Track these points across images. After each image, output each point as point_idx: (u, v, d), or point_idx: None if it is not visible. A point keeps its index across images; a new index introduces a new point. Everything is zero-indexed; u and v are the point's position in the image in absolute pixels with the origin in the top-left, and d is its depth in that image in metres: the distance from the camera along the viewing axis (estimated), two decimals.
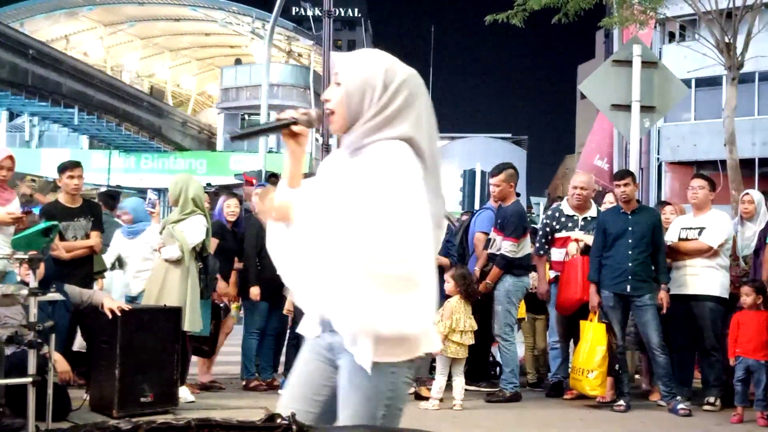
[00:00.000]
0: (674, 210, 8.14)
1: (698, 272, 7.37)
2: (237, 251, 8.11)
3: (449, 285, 7.17)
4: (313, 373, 2.63)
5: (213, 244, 7.62)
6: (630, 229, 7.23)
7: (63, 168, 7.35)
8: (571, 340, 8.05)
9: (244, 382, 7.94)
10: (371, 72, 2.51)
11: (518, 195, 8.20)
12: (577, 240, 7.71)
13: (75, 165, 7.40)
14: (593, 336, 7.26)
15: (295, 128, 2.57)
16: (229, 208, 8.20)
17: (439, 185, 2.57)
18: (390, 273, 2.32)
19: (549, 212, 8.27)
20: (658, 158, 29.60)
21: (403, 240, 2.32)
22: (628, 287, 7.17)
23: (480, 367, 8.40)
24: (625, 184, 7.34)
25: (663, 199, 27.41)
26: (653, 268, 7.26)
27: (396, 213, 2.33)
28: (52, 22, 42.54)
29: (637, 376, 8.46)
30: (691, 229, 7.51)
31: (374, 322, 2.36)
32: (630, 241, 7.21)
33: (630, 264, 7.17)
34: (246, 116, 42.22)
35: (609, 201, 7.89)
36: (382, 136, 2.47)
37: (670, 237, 7.60)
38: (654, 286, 7.24)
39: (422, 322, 2.40)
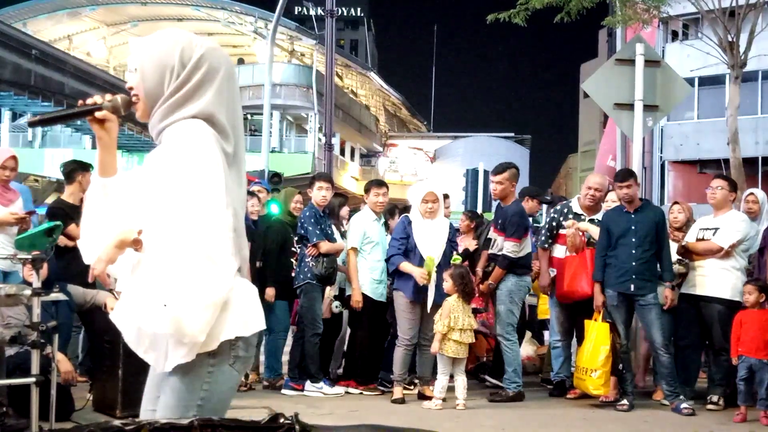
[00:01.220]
0: (681, 209, 8.10)
1: (709, 273, 7.34)
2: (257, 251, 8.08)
3: (447, 284, 7.16)
4: (153, 373, 2.55)
5: None
6: (633, 228, 7.22)
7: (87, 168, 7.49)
8: (573, 339, 8.06)
9: (267, 382, 7.97)
10: (167, 51, 2.42)
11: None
12: (582, 232, 7.65)
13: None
14: (597, 335, 7.25)
15: (98, 114, 2.43)
16: (254, 207, 8.25)
17: (242, 167, 2.49)
18: (176, 266, 2.22)
19: (558, 207, 8.24)
20: (661, 157, 29.58)
21: (191, 230, 2.23)
22: (632, 286, 7.16)
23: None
24: (628, 186, 7.31)
25: (666, 198, 27.48)
26: (658, 266, 7.25)
27: (187, 200, 2.25)
28: (54, 22, 42.61)
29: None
30: (708, 229, 7.49)
31: (156, 324, 2.27)
32: (633, 240, 7.20)
33: (634, 263, 7.16)
34: (249, 116, 42.23)
35: (611, 200, 7.85)
36: (180, 115, 2.39)
37: (688, 237, 7.60)
38: (657, 285, 7.23)
39: (206, 316, 2.25)
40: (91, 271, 2.33)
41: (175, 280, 2.22)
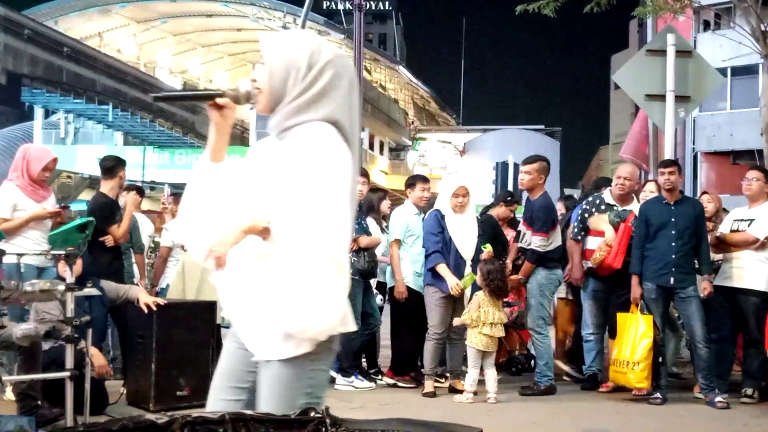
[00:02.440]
0: (710, 199, 8.02)
1: (744, 265, 7.26)
2: None
3: (479, 278, 7.15)
4: (237, 362, 2.57)
5: None
6: (673, 220, 7.14)
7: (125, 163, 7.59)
8: (606, 332, 8.01)
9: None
10: (297, 52, 2.46)
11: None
12: (607, 244, 7.58)
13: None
14: (639, 328, 7.15)
15: (219, 100, 2.50)
16: None
17: (356, 175, 2.52)
18: (309, 267, 2.26)
19: (589, 199, 8.18)
20: (693, 148, 29.29)
21: (325, 232, 2.28)
22: (672, 279, 7.08)
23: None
24: (670, 172, 7.23)
25: (698, 189, 27.19)
26: (696, 259, 7.17)
27: (323, 202, 2.29)
28: (85, 20, 42.98)
29: (674, 369, 8.38)
30: (742, 220, 7.40)
31: (284, 323, 2.32)
32: (673, 232, 7.11)
33: (674, 256, 7.08)
34: None
35: (649, 190, 7.77)
36: (306, 117, 2.43)
37: (723, 228, 7.52)
38: (696, 278, 7.16)
39: (332, 318, 2.35)
40: (208, 252, 2.36)
41: (308, 280, 2.27)
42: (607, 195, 8.02)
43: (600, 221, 7.69)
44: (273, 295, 2.31)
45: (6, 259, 5.31)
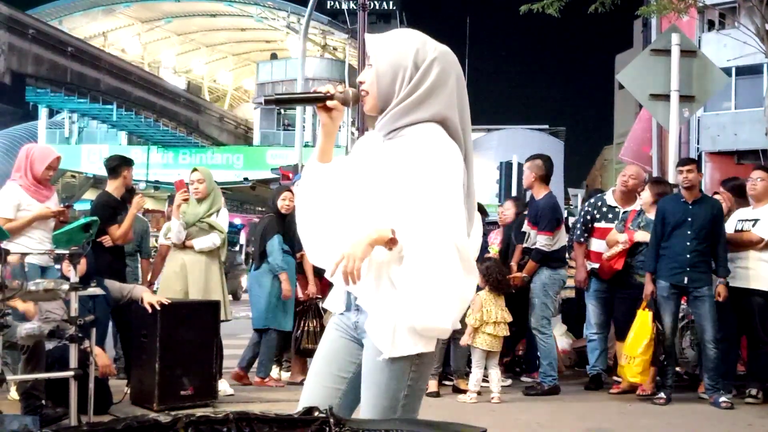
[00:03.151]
0: (723, 198, 7.99)
1: (750, 265, 7.23)
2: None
3: (480, 277, 7.16)
4: (340, 350, 2.63)
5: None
6: (689, 219, 7.10)
7: (131, 163, 7.65)
8: (610, 332, 8.01)
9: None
10: (402, 52, 2.49)
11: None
12: (621, 244, 7.58)
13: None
14: (640, 324, 7.18)
15: (329, 103, 2.55)
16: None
17: (471, 173, 2.55)
18: (433, 265, 2.29)
19: (591, 200, 8.20)
20: (698, 148, 29.23)
21: (447, 230, 2.31)
22: (686, 279, 7.05)
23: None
24: (689, 171, 7.19)
25: (703, 189, 27.15)
26: (712, 259, 7.16)
27: (442, 201, 2.33)
28: (90, 20, 43.06)
29: (678, 368, 8.37)
30: (747, 220, 7.38)
31: (411, 318, 2.36)
32: (689, 231, 7.08)
33: (689, 255, 7.04)
34: (282, 111, 42.40)
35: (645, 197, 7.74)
36: (415, 118, 2.46)
37: (727, 228, 7.49)
38: (711, 278, 7.14)
39: (456, 316, 2.38)
40: (334, 267, 2.39)
41: (437, 278, 2.29)
42: (609, 197, 8.02)
43: (615, 236, 7.69)
44: (401, 293, 2.35)
45: (10, 259, 5.30)
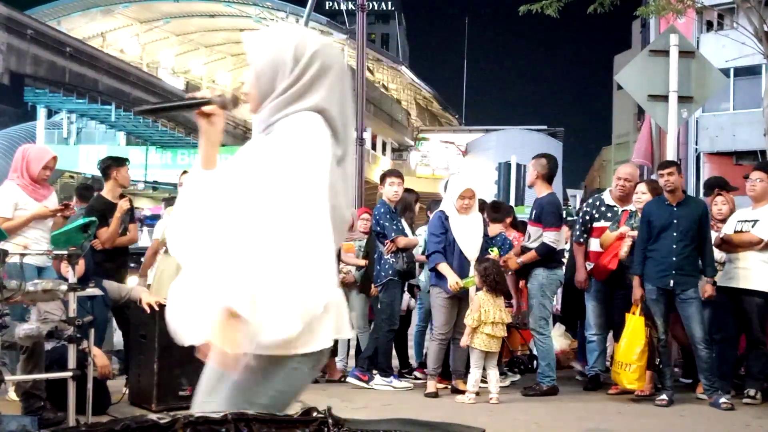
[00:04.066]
0: (725, 200, 7.98)
1: (750, 266, 7.23)
2: None
3: (476, 278, 7.16)
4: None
5: None
6: (675, 221, 7.11)
7: (122, 162, 7.68)
8: (610, 333, 8.02)
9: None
10: (281, 48, 2.41)
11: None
12: (629, 236, 7.57)
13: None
14: (633, 329, 7.18)
15: (206, 108, 2.41)
16: None
17: (348, 169, 2.45)
18: (275, 267, 2.16)
19: (590, 201, 8.22)
20: (696, 149, 29.24)
21: (292, 229, 2.18)
22: (672, 282, 7.06)
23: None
24: (669, 173, 7.20)
25: (701, 190, 27.17)
26: (699, 261, 7.16)
27: (291, 197, 2.21)
28: (88, 20, 43.04)
29: (676, 369, 8.38)
30: (746, 221, 7.38)
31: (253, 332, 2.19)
32: (675, 234, 7.09)
33: (675, 258, 7.06)
34: None
35: (641, 191, 7.73)
36: (292, 109, 2.37)
37: (726, 229, 7.50)
38: (699, 279, 7.14)
39: (302, 321, 2.19)
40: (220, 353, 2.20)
41: (295, 286, 2.17)
42: (607, 196, 8.04)
43: (608, 239, 7.70)
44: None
45: (8, 259, 5.30)
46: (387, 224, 7.79)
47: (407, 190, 8.74)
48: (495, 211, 8.88)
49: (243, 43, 2.50)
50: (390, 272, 7.75)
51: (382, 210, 7.89)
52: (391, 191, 7.99)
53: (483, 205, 8.27)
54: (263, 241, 2.17)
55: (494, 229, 8.53)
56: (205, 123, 2.43)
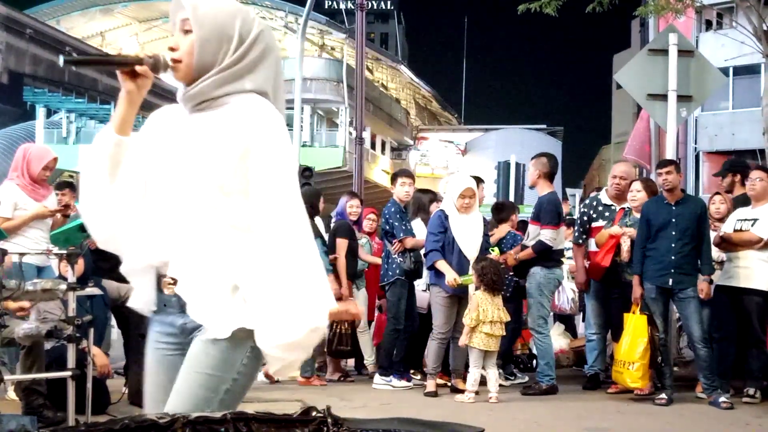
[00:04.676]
0: (723, 200, 7.98)
1: (749, 265, 7.23)
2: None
3: (475, 277, 7.16)
4: (170, 370, 2.36)
5: (343, 244, 7.94)
6: (674, 220, 7.11)
7: None
8: (608, 332, 8.02)
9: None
10: (227, 21, 2.32)
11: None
12: (626, 235, 7.56)
13: None
14: (635, 328, 7.17)
15: (138, 68, 2.28)
16: (352, 208, 8.55)
17: None
18: (285, 260, 2.18)
19: (586, 201, 8.24)
20: (695, 148, 29.26)
21: (298, 220, 2.23)
22: (671, 281, 7.06)
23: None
24: (668, 172, 7.21)
25: (700, 189, 27.19)
26: (698, 259, 7.16)
27: (291, 188, 2.24)
28: (87, 19, 43.00)
29: (676, 368, 8.38)
30: (746, 220, 7.37)
31: (265, 337, 2.18)
32: (674, 233, 7.09)
33: (673, 257, 7.06)
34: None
35: (636, 189, 7.71)
36: (236, 87, 2.31)
37: (726, 228, 7.49)
38: (697, 278, 7.14)
39: (307, 323, 2.18)
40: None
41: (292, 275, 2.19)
42: (603, 195, 8.05)
43: (602, 237, 7.70)
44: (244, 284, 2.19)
45: (7, 259, 5.30)
46: (396, 224, 7.83)
47: (423, 191, 8.77)
48: (498, 211, 8.85)
49: (200, 3, 2.33)
50: (397, 272, 7.79)
51: (393, 209, 7.93)
52: (402, 191, 8.06)
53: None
54: (298, 248, 2.22)
55: (503, 229, 8.49)
56: (131, 84, 2.30)
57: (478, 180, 8.19)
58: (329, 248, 7.98)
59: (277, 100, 2.39)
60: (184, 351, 2.33)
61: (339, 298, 7.99)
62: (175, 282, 2.29)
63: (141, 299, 2.41)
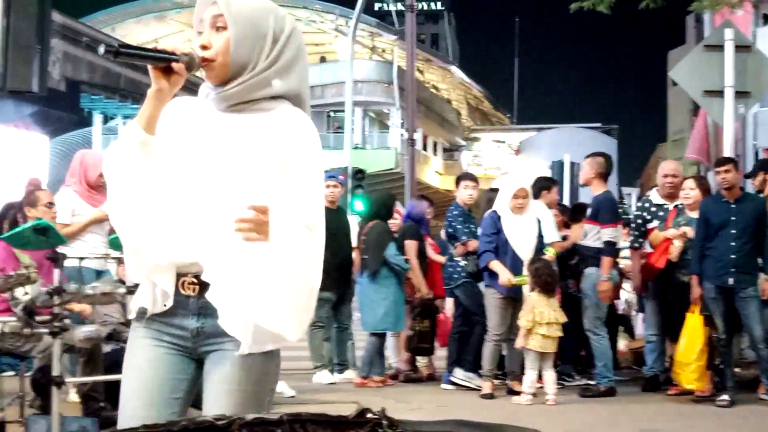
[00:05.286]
0: None
1: None
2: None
3: (529, 278, 7.10)
4: (168, 370, 2.35)
5: (413, 245, 8.06)
6: (733, 219, 6.99)
7: None
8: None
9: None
10: (262, 20, 2.27)
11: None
12: (680, 237, 7.43)
13: None
14: (692, 329, 7.06)
15: (175, 65, 2.21)
16: (429, 211, 8.83)
17: None
18: (311, 267, 2.23)
19: (638, 204, 8.14)
20: (754, 144, 28.66)
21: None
22: (731, 280, 6.93)
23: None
24: (726, 171, 7.09)
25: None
26: (758, 258, 7.01)
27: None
28: (142, 26, 43.70)
29: (737, 370, 8.21)
30: None
31: (284, 327, 2.22)
32: (733, 231, 6.96)
33: (733, 256, 6.93)
34: (332, 113, 42.59)
35: (689, 187, 7.58)
36: (273, 90, 2.28)
37: None
38: (757, 278, 7.00)
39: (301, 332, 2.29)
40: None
41: (310, 278, 2.24)
42: (655, 195, 7.94)
43: (657, 238, 7.59)
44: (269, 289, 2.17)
45: (67, 263, 5.40)
46: (459, 227, 7.85)
47: (495, 189, 8.76)
48: (581, 211, 8.65)
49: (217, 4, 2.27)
50: (462, 274, 7.79)
51: (456, 212, 7.95)
52: (465, 194, 8.09)
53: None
54: (316, 262, 2.24)
55: (575, 229, 8.41)
56: (165, 82, 2.24)
57: (552, 182, 8.18)
58: (400, 251, 8.13)
59: (307, 101, 2.40)
60: (189, 354, 2.33)
61: (422, 298, 8.29)
62: (200, 284, 2.24)
63: (149, 297, 2.32)
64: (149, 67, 2.23)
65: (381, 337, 8.13)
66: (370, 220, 8.34)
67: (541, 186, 8.43)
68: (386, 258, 7.90)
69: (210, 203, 2.22)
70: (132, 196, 2.24)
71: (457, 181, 8.41)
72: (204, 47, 2.28)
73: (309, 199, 2.23)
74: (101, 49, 2.21)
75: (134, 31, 43.11)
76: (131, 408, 2.37)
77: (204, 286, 2.22)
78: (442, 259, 8.47)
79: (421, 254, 8.32)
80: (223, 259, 2.19)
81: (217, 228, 2.19)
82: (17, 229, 5.30)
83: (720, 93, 9.06)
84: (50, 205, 6.02)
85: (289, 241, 2.14)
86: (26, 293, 4.70)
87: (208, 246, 2.21)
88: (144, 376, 2.35)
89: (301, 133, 2.27)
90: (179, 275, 2.27)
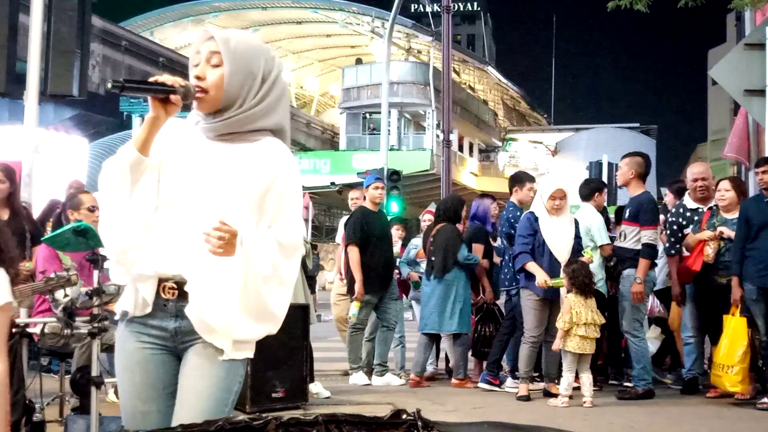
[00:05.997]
0: None
1: None
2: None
3: (566, 279, 7.04)
4: (156, 368, 2.58)
5: (479, 249, 8.10)
6: None
7: None
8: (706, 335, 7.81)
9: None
10: (254, 60, 2.50)
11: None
12: (715, 237, 7.34)
13: None
14: (734, 331, 6.96)
15: (173, 97, 2.41)
16: (495, 210, 8.70)
17: None
18: (283, 277, 2.53)
19: (672, 210, 8.03)
20: None
21: (298, 244, 2.56)
22: None
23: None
24: (764, 171, 6.99)
25: None
26: None
27: (300, 215, 2.59)
28: (180, 30, 44.15)
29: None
30: None
31: (231, 327, 2.52)
32: None
33: None
34: (368, 115, 42.68)
35: (724, 189, 7.48)
36: (261, 125, 2.52)
37: None
38: None
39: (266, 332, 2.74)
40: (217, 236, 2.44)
41: (288, 288, 2.64)
42: (688, 200, 7.84)
43: (692, 241, 7.51)
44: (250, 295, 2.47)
45: (106, 264, 5.47)
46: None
47: None
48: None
49: (230, 38, 2.51)
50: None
51: (517, 214, 7.89)
52: (528, 196, 8.06)
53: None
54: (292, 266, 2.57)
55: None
56: (161, 110, 2.42)
57: (602, 184, 8.11)
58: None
59: (288, 133, 2.64)
60: (171, 352, 2.56)
61: (485, 302, 8.33)
62: (179, 290, 2.48)
63: (132, 302, 2.55)
64: (148, 97, 2.42)
65: (435, 338, 8.26)
66: (438, 222, 8.32)
67: (594, 188, 8.36)
68: (458, 261, 7.91)
69: (197, 224, 2.39)
70: (120, 212, 2.45)
71: (520, 182, 8.28)
72: (198, 78, 2.48)
73: (288, 220, 2.50)
74: (109, 85, 2.43)
75: (172, 34, 43.60)
76: (131, 407, 2.64)
77: (183, 292, 2.47)
78: (497, 259, 8.45)
79: (486, 255, 8.30)
80: (204, 273, 2.42)
81: (203, 246, 2.36)
82: (58, 231, 5.37)
83: (761, 92, 8.94)
84: (93, 209, 6.08)
85: (251, 256, 2.36)
86: (66, 295, 4.76)
87: (193, 262, 2.42)
88: (136, 378, 2.59)
89: (283, 163, 2.51)
90: (161, 280, 2.50)
